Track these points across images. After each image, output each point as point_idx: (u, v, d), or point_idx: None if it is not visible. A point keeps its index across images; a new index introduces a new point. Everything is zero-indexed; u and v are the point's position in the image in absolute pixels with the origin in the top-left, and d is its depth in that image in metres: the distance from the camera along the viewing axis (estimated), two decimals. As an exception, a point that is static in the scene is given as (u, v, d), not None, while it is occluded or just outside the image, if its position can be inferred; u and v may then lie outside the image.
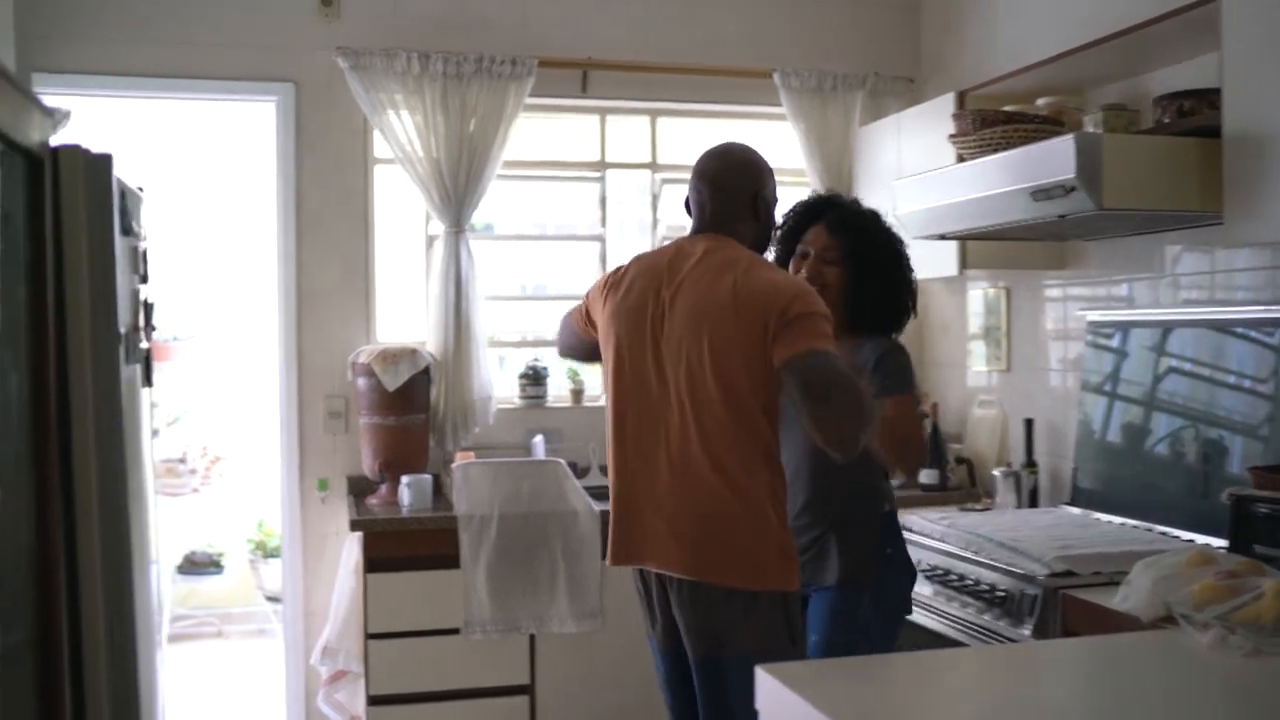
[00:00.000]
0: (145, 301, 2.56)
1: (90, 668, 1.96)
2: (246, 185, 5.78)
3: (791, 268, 2.97)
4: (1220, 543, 2.91)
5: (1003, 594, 3.10)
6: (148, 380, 2.72)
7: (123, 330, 2.09)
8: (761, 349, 2.47)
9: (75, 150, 1.90)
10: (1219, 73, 2.92)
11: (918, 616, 3.30)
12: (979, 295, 4.56)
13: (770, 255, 2.97)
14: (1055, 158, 2.98)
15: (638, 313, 2.62)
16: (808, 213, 3.04)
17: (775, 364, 2.45)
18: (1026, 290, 4.32)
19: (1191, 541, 3.15)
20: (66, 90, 4.19)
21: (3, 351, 1.78)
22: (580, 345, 2.94)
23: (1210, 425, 3.32)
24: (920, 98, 4.72)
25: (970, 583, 3.25)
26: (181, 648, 5.86)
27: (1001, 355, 4.44)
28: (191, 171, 6.09)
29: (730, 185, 2.68)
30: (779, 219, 2.99)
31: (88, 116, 5.12)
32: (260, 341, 5.30)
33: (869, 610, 2.85)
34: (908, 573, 2.99)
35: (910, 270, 3.02)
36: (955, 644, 3.23)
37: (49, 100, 3.62)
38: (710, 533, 2.51)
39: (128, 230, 2.24)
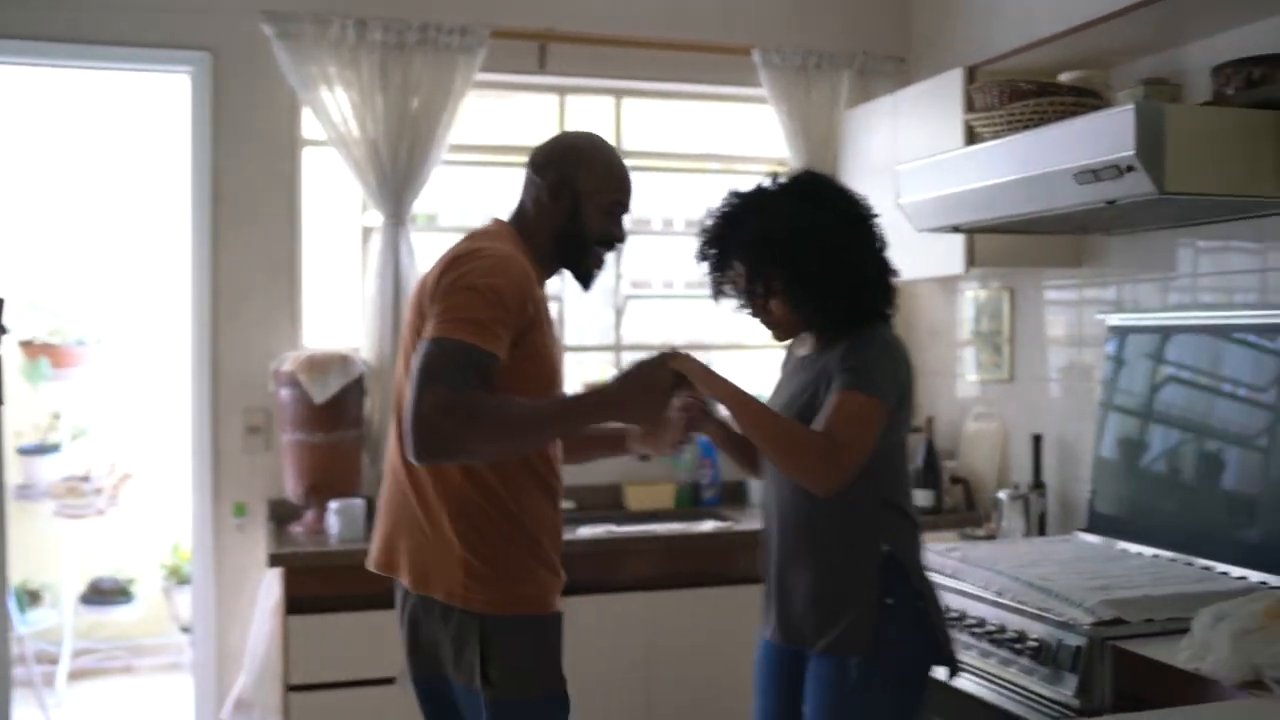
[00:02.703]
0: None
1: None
2: (159, 170, 5.32)
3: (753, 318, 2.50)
4: (1274, 579, 2.74)
5: (1035, 644, 2.69)
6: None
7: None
8: None
9: None
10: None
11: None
12: (971, 297, 4.17)
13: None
14: (1109, 133, 2.57)
15: None
16: (717, 242, 2.44)
17: None
18: (1032, 290, 3.94)
19: (1244, 579, 2.84)
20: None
21: None
22: None
23: (1251, 448, 2.94)
24: (911, 79, 4.36)
25: (993, 628, 2.84)
26: (85, 685, 5.37)
27: (1002, 363, 4.05)
28: (98, 154, 5.60)
29: (538, 162, 2.38)
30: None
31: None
32: (174, 346, 4.79)
33: (861, 679, 2.30)
34: (921, 629, 2.37)
35: (842, 236, 2.36)
36: (977, 702, 2.80)
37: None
38: (392, 525, 2.34)
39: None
